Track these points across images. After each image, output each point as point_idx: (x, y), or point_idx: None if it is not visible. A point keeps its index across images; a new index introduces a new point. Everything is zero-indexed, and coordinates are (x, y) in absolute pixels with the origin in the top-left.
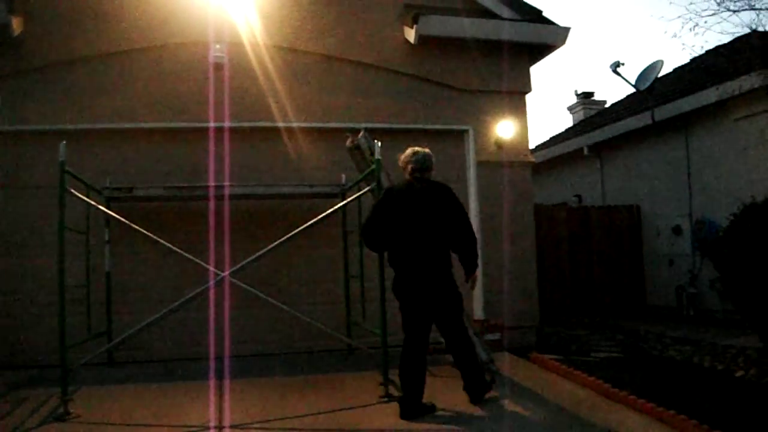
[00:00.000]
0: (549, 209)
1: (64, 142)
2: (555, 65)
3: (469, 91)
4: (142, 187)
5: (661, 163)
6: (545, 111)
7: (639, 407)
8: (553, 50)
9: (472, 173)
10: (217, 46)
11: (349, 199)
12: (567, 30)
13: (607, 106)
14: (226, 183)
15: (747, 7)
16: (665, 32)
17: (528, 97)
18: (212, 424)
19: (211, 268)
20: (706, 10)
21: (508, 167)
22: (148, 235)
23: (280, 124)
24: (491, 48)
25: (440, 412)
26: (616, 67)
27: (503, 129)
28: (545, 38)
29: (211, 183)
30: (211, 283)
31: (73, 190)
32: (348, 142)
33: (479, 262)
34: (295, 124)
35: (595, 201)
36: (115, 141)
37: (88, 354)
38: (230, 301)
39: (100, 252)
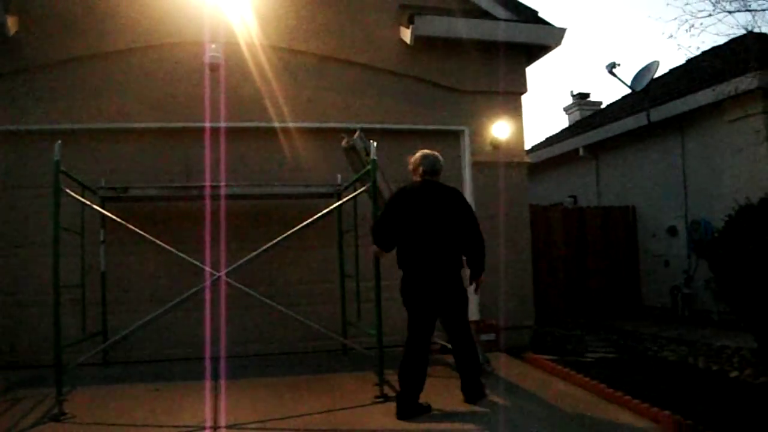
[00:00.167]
0: (544, 210)
1: (60, 141)
2: (551, 66)
3: (465, 92)
4: (137, 187)
5: (657, 163)
6: (541, 112)
7: (634, 408)
8: (549, 51)
9: (467, 174)
10: (213, 46)
11: (344, 200)
12: (563, 31)
13: (602, 106)
14: (222, 183)
15: (742, 8)
16: (662, 33)
17: (524, 97)
18: (208, 424)
19: (207, 268)
20: (702, 11)
21: (503, 168)
22: (143, 235)
23: (276, 125)
24: (487, 48)
25: (435, 412)
26: (611, 68)
27: (499, 129)
28: (541, 39)
29: (207, 183)
30: (207, 283)
31: (68, 190)
32: (343, 143)
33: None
34: (291, 125)
35: (590, 202)
36: (110, 141)
37: (83, 354)
38: (226, 301)
39: (96, 252)
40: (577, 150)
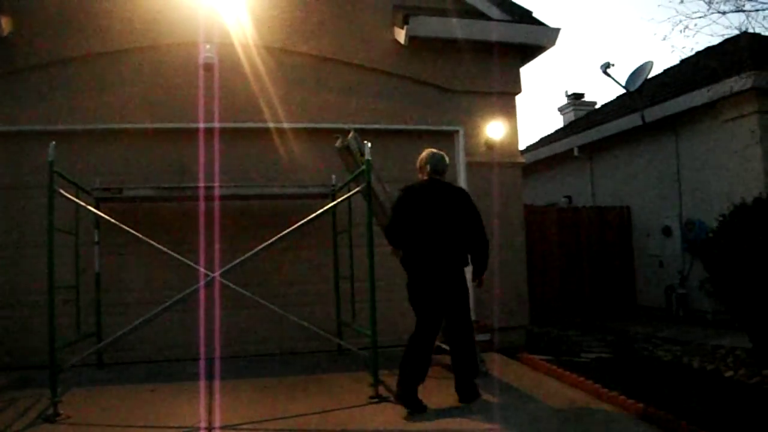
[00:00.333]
0: (539, 210)
1: (54, 142)
2: (545, 66)
3: (460, 92)
4: (131, 187)
5: (651, 164)
6: (535, 112)
7: (629, 407)
8: (543, 51)
9: (462, 174)
10: (208, 47)
11: (339, 200)
12: (557, 31)
13: (597, 107)
14: (216, 183)
15: (736, 9)
16: (654, 34)
17: (518, 98)
18: (202, 424)
19: (201, 269)
20: (696, 12)
21: (498, 168)
22: (137, 236)
23: (271, 125)
24: (481, 49)
25: (430, 412)
26: (606, 68)
27: (493, 130)
28: (535, 39)
29: (201, 184)
30: (201, 283)
31: (62, 191)
32: (338, 143)
33: None
34: (285, 125)
35: (585, 202)
36: (104, 142)
37: (77, 355)
38: (220, 301)
39: (90, 253)
40: (571, 150)
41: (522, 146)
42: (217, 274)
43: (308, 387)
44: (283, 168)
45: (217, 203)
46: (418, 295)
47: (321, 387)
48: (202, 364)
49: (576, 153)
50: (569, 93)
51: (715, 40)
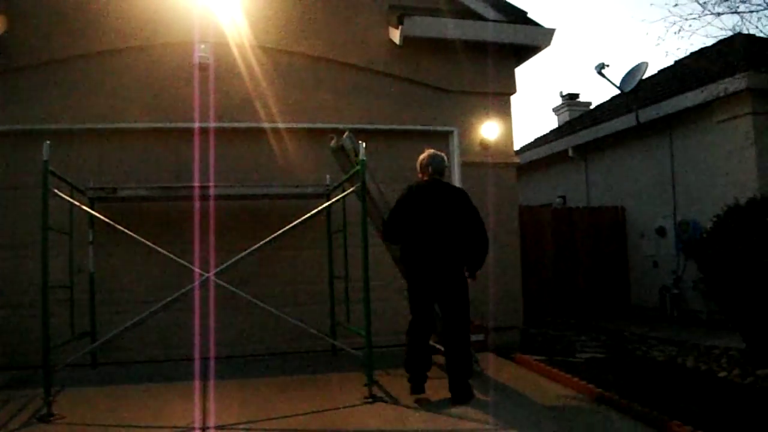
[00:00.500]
0: (534, 210)
1: (48, 142)
2: (540, 67)
3: (454, 92)
4: (126, 187)
5: (646, 164)
6: (530, 112)
7: (623, 407)
8: (538, 51)
9: (456, 174)
10: (202, 47)
11: (333, 200)
12: (552, 31)
13: (592, 107)
14: (211, 183)
15: (730, 10)
16: (647, 34)
17: (513, 98)
18: (197, 425)
19: (196, 269)
20: (690, 14)
21: (492, 168)
22: (132, 236)
23: (266, 125)
24: (476, 49)
25: (424, 412)
26: (601, 68)
27: (488, 130)
28: (530, 39)
29: (196, 183)
30: (196, 283)
31: (56, 191)
32: (332, 143)
33: None
34: (280, 125)
35: (579, 202)
36: (99, 141)
37: (71, 355)
38: (215, 301)
39: (85, 252)
40: (566, 150)
41: (517, 147)
42: (211, 273)
43: (302, 387)
44: (278, 168)
45: (211, 203)
46: (413, 289)
47: (315, 387)
48: (196, 364)
49: (571, 153)
50: (564, 93)
51: (710, 42)
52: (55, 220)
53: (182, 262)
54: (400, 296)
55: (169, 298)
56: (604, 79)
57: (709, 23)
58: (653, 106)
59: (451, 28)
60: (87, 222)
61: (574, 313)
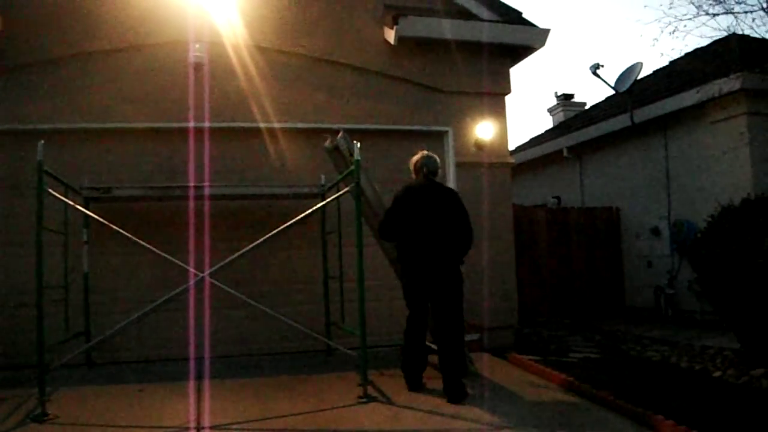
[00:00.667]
0: (528, 210)
1: (42, 141)
2: (535, 67)
3: (449, 92)
4: (120, 187)
5: (640, 164)
6: (525, 112)
7: (617, 407)
8: (533, 52)
9: (451, 174)
10: (197, 46)
11: (328, 200)
12: (546, 32)
13: (586, 107)
14: (206, 183)
15: (725, 11)
16: (641, 35)
17: (508, 98)
18: (191, 424)
19: (191, 269)
20: (685, 14)
21: (487, 168)
22: (127, 236)
23: (260, 125)
24: (471, 49)
25: (418, 411)
26: (595, 69)
27: (483, 130)
28: (525, 40)
29: (191, 183)
30: (191, 283)
31: (51, 190)
32: (327, 143)
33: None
34: (275, 125)
35: (574, 202)
36: (94, 141)
37: (66, 355)
38: (209, 301)
39: (79, 252)
40: (561, 151)
41: (511, 147)
42: (206, 273)
43: (297, 387)
44: (273, 168)
45: (206, 203)
46: (408, 287)
47: (310, 387)
48: (191, 363)
49: (565, 154)
50: (559, 94)
51: (704, 42)
52: (50, 219)
53: (177, 261)
54: (395, 296)
55: (163, 298)
56: (599, 80)
57: (704, 24)
58: (648, 106)
59: (445, 28)
60: (82, 222)
61: (569, 313)
